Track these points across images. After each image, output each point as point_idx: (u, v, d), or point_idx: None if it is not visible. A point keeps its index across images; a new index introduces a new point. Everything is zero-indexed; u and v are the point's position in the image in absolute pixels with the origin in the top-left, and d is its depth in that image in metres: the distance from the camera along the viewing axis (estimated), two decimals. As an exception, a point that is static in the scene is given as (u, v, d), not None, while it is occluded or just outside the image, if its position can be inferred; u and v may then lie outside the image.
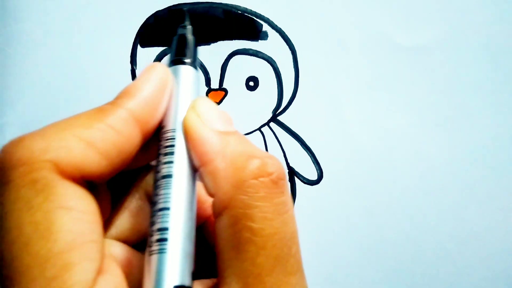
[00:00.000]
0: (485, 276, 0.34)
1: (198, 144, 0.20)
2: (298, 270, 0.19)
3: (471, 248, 0.34)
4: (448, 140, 0.33)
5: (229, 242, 0.19)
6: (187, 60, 0.22)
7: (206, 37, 0.33)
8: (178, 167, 0.20)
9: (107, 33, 0.33)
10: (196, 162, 0.20)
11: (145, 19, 0.32)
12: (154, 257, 0.18)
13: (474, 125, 0.33)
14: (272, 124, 0.33)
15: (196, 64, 0.23)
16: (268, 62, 0.33)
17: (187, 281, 0.18)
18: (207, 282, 0.20)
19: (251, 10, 0.32)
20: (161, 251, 0.18)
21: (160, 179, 0.20)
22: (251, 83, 0.33)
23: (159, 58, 0.33)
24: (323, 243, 0.33)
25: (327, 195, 0.33)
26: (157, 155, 0.21)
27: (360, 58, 0.33)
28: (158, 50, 0.33)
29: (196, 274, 0.19)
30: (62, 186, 0.18)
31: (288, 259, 0.19)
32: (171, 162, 0.20)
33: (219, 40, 0.33)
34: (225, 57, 0.33)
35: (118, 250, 0.21)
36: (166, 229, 0.19)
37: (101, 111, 0.19)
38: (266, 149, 0.33)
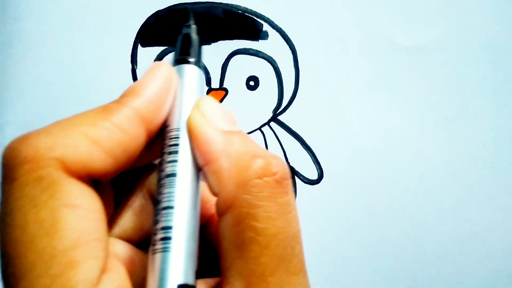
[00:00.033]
0: (485, 276, 0.34)
1: (202, 143, 0.20)
2: (301, 270, 0.19)
3: (471, 248, 0.34)
4: (448, 140, 0.33)
5: (233, 241, 0.19)
6: (192, 60, 0.22)
7: (206, 37, 0.33)
8: (182, 166, 0.20)
9: (108, 33, 0.33)
10: (200, 161, 0.20)
11: (145, 19, 0.32)
12: (158, 256, 0.18)
13: (474, 125, 0.33)
14: (272, 124, 0.33)
15: (201, 63, 0.23)
16: (269, 61, 0.33)
17: (190, 280, 0.18)
18: (210, 281, 0.20)
19: (251, 10, 0.32)
20: (165, 250, 0.18)
21: (164, 178, 0.20)
22: (252, 83, 0.33)
23: (159, 58, 0.33)
24: (323, 243, 0.33)
25: (327, 194, 0.33)
26: (161, 154, 0.21)
27: (360, 58, 0.33)
28: (158, 49, 0.33)
29: (198, 273, 0.19)
30: (67, 184, 0.18)
31: (291, 259, 0.19)
32: (175, 161, 0.20)
33: (220, 40, 0.33)
34: (226, 57, 0.33)
35: (121, 249, 0.21)
36: (170, 227, 0.19)
37: (106, 109, 0.20)
38: (267, 149, 0.33)
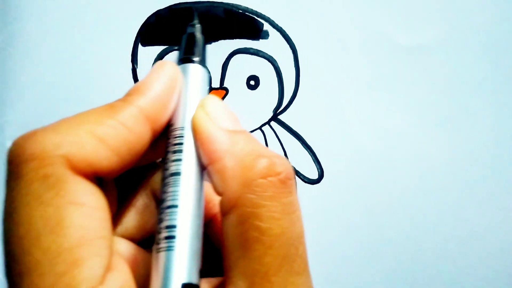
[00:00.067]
0: (485, 276, 0.34)
1: (207, 142, 0.20)
2: (304, 270, 0.19)
3: (471, 248, 0.34)
4: (448, 140, 0.34)
5: (236, 241, 0.19)
6: (196, 59, 0.23)
7: (207, 36, 0.32)
8: (186, 165, 0.20)
9: (108, 32, 0.33)
10: (205, 160, 0.20)
11: (146, 18, 0.32)
12: (162, 255, 0.18)
13: (474, 125, 0.33)
14: (272, 123, 0.33)
15: (205, 62, 0.23)
16: (269, 61, 0.33)
17: (194, 279, 0.18)
18: (213, 280, 0.20)
19: (252, 9, 0.32)
20: (169, 249, 0.18)
21: (168, 177, 0.20)
22: (252, 82, 0.33)
23: (160, 57, 0.33)
24: (323, 243, 0.33)
25: (327, 194, 0.33)
26: (165, 153, 0.21)
27: (360, 58, 0.33)
28: (159, 49, 0.33)
29: (200, 273, 0.19)
30: (73, 182, 0.18)
31: (295, 259, 0.19)
32: (179, 160, 0.20)
33: (220, 39, 0.33)
34: (226, 56, 0.33)
35: (124, 247, 0.21)
36: (174, 226, 0.19)
37: (112, 107, 0.20)
38: (267, 149, 0.33)
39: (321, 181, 0.33)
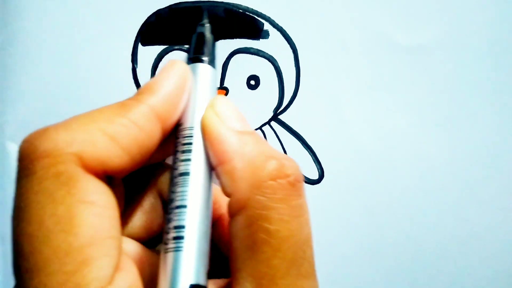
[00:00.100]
0: (486, 276, 0.34)
1: (216, 142, 0.20)
2: (311, 274, 0.19)
3: (471, 248, 0.34)
4: (448, 140, 0.34)
5: (244, 242, 0.19)
6: (206, 58, 0.23)
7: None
8: (195, 165, 0.20)
9: (108, 32, 0.32)
10: (214, 161, 0.20)
11: (146, 18, 0.32)
12: (170, 255, 0.18)
13: (474, 125, 0.33)
14: (273, 123, 0.33)
15: (215, 62, 0.23)
16: (269, 61, 0.33)
17: (202, 280, 0.18)
18: (219, 282, 0.20)
19: (252, 9, 0.32)
20: (177, 249, 0.18)
21: (177, 177, 0.20)
22: (252, 82, 0.33)
23: (160, 57, 0.32)
24: (324, 243, 0.33)
25: (328, 194, 0.33)
26: (174, 152, 0.20)
27: (360, 58, 0.33)
28: (159, 48, 0.33)
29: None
30: (85, 180, 0.18)
31: (302, 262, 0.19)
32: (188, 159, 0.20)
33: (220, 39, 0.33)
34: (226, 56, 0.33)
35: (131, 247, 0.21)
36: (182, 227, 0.19)
37: (123, 106, 0.19)
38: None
39: (322, 181, 0.33)
